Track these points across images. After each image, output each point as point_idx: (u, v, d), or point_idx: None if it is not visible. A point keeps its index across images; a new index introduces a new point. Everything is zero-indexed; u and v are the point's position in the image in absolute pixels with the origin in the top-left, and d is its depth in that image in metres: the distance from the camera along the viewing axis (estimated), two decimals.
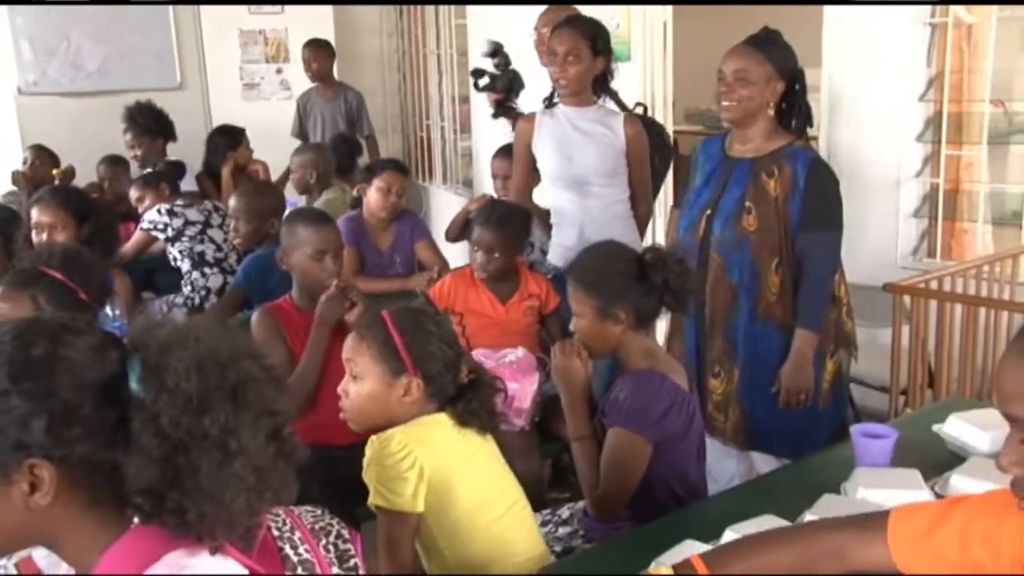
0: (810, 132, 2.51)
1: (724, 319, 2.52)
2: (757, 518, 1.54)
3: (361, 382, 1.72)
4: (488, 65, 3.80)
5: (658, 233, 4.30)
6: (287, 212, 3.17)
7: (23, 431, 0.94)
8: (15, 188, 4.77)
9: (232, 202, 3.45)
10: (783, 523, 1.50)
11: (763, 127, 2.45)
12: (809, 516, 1.57)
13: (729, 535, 1.48)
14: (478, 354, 2.55)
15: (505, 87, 3.72)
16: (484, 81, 3.79)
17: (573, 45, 2.95)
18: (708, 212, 2.52)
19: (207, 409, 0.96)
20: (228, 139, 4.91)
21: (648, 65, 4.45)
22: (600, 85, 3.06)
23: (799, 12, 4.17)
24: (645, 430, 1.84)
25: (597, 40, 2.99)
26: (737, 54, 2.40)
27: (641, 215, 3.15)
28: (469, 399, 1.74)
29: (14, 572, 1.55)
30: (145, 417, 0.95)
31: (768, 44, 2.41)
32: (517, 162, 3.20)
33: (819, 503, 1.62)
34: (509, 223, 2.84)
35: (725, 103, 2.42)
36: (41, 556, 1.52)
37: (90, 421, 0.95)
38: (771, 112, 2.44)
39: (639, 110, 3.30)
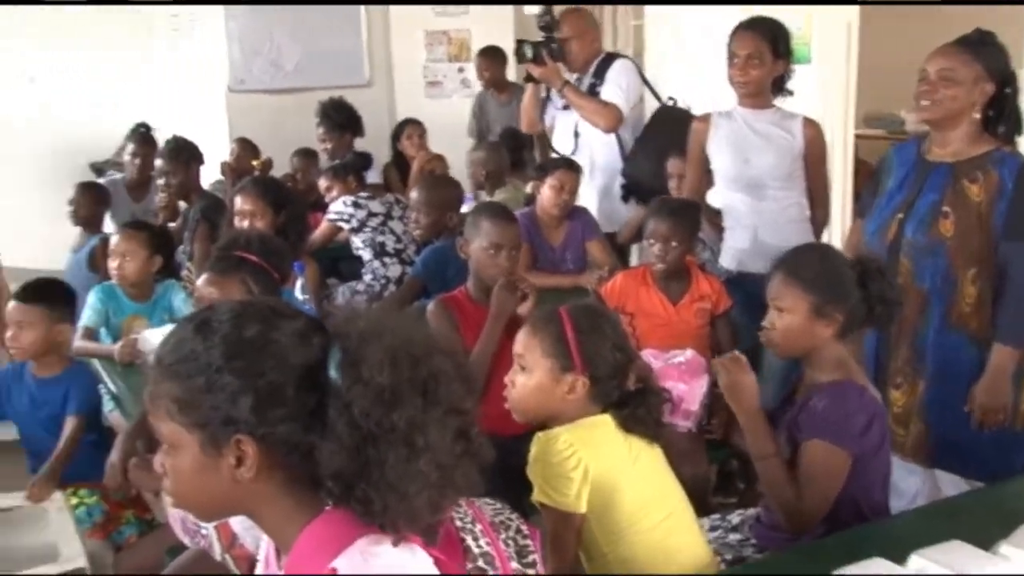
0: (1020, 140, 2.37)
1: (911, 328, 2.38)
2: (945, 544, 1.42)
3: (529, 374, 1.72)
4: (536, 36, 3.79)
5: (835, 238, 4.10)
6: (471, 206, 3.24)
7: (232, 407, 0.98)
8: (222, 178, 5.09)
9: (414, 194, 3.55)
10: (974, 551, 1.39)
11: (966, 130, 2.31)
12: (1005, 547, 1.45)
13: (916, 561, 1.39)
14: (647, 354, 2.50)
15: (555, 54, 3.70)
16: (530, 51, 3.75)
17: (755, 48, 2.90)
18: (900, 215, 2.39)
19: (397, 403, 0.96)
20: (401, 130, 5.10)
21: (829, 67, 4.25)
22: (777, 87, 2.97)
23: (1003, 12, 3.86)
24: (846, 443, 1.75)
25: (778, 43, 2.92)
26: (944, 53, 2.27)
27: (819, 220, 3.07)
28: (635, 406, 1.70)
29: (213, 533, 1.66)
30: (340, 405, 0.96)
31: (979, 44, 2.26)
32: (691, 163, 3.16)
33: (1017, 533, 1.48)
34: (683, 212, 2.82)
35: (924, 103, 2.29)
36: (236, 522, 1.61)
37: (291, 403, 0.98)
38: (977, 116, 2.29)
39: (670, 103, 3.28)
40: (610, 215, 3.89)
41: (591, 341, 1.70)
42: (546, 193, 3.60)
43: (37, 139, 5.94)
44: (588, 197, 3.88)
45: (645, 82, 3.98)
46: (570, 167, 3.65)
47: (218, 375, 0.99)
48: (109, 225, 4.45)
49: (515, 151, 4.81)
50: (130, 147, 4.68)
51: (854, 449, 1.74)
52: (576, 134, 3.93)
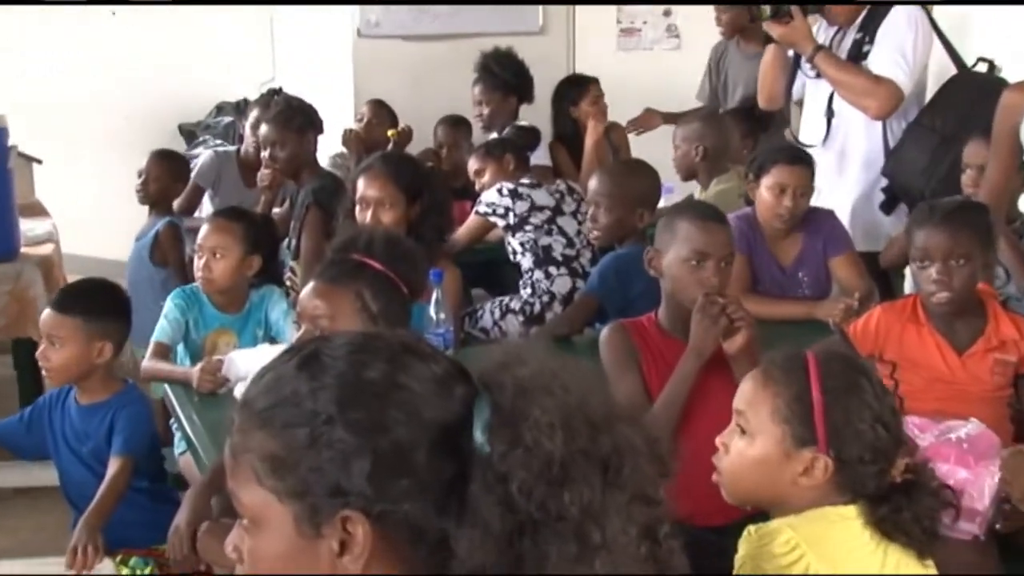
0: None
1: None
2: None
3: (750, 441, 1.71)
4: None
5: None
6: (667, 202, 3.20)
7: (343, 472, 1.01)
8: (344, 150, 5.26)
9: (592, 183, 3.53)
10: None
11: None
12: None
13: None
14: (912, 423, 2.37)
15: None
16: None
17: None
18: None
19: (570, 480, 0.99)
20: (573, 90, 5.03)
21: None
22: None
23: None
24: None
25: None
26: None
27: None
28: (898, 506, 1.62)
29: None
30: (489, 479, 0.99)
31: None
32: (997, 151, 3.04)
33: None
34: (966, 218, 2.65)
35: None
36: None
37: (422, 473, 1.01)
38: None
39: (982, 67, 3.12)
40: (869, 228, 3.78)
41: (844, 408, 1.66)
42: (763, 197, 3.49)
43: (116, 95, 6.33)
44: (840, 203, 3.76)
45: (939, 35, 3.79)
46: (796, 161, 3.50)
47: (327, 428, 1.01)
48: (208, 208, 4.68)
49: (751, 126, 4.67)
50: (254, 115, 4.86)
51: None
52: (830, 113, 3.81)
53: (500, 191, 4.04)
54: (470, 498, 1.00)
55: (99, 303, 2.81)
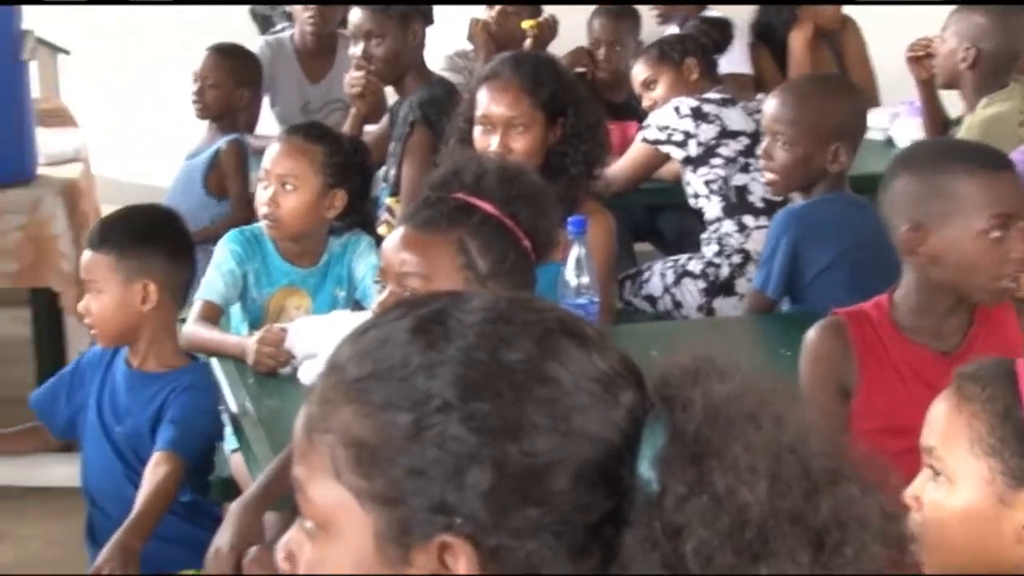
0: None
1: None
2: None
3: (948, 487, 1.71)
4: None
5: None
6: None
7: (452, 483, 1.02)
8: (468, 48, 5.26)
9: (769, 105, 3.46)
10: None
11: None
12: None
13: None
14: None
15: None
16: None
17: None
18: None
19: (769, 552, 0.99)
20: None
21: None
22: None
23: None
24: None
25: None
26: None
27: None
28: None
29: None
30: (655, 530, 1.00)
31: None
32: None
33: None
34: None
35: None
36: None
37: (560, 503, 1.02)
38: None
39: None
40: None
41: None
42: None
43: None
44: None
45: None
46: None
47: (439, 419, 1.02)
48: (273, 125, 4.72)
49: None
50: None
51: None
52: None
53: (677, 110, 4.01)
54: (622, 550, 1.01)
55: (136, 231, 2.86)
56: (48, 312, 4.16)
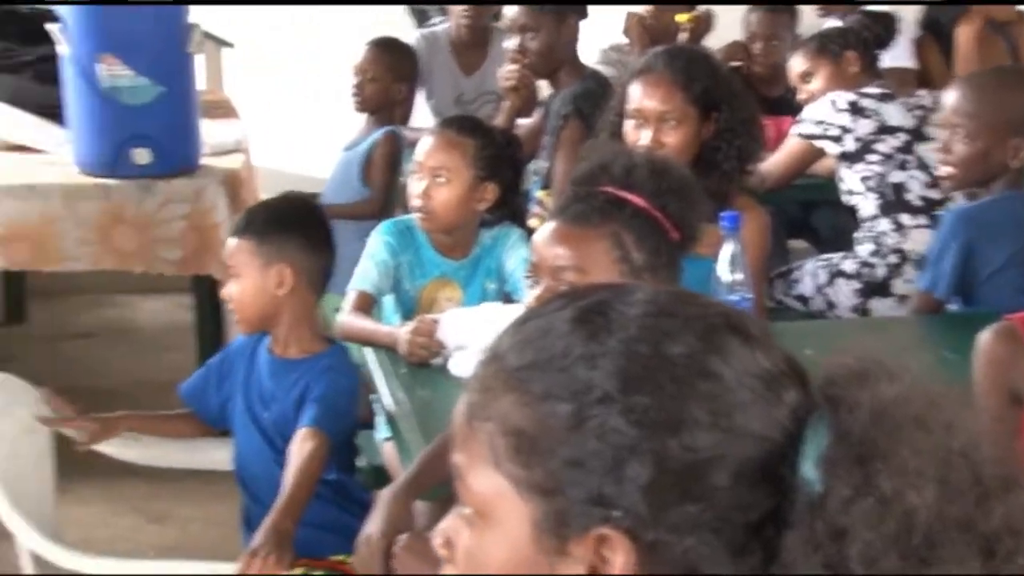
0: None
1: None
2: None
3: None
4: None
5: None
6: None
7: (611, 475, 1.01)
8: (622, 42, 5.26)
9: (950, 97, 3.38)
10: None
11: None
12: None
13: None
14: None
15: None
16: None
17: None
18: None
19: (936, 558, 0.98)
20: None
21: None
22: None
23: None
24: None
25: None
26: None
27: None
28: None
29: None
30: (818, 530, 0.99)
31: None
32: None
33: None
34: None
35: None
36: None
37: (720, 500, 1.01)
38: None
39: None
40: None
41: None
42: None
43: None
44: None
45: None
46: None
47: (600, 410, 1.02)
48: (428, 117, 4.76)
49: None
50: None
51: None
52: None
53: (834, 104, 3.98)
54: (783, 550, 1.00)
55: (275, 218, 2.91)
56: (209, 299, 4.24)
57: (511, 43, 4.21)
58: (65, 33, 4.06)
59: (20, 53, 4.73)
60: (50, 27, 4.13)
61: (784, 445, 1.02)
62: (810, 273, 3.96)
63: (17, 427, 2.85)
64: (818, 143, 3.97)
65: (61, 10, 4.10)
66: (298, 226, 2.90)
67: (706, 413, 1.01)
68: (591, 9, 4.36)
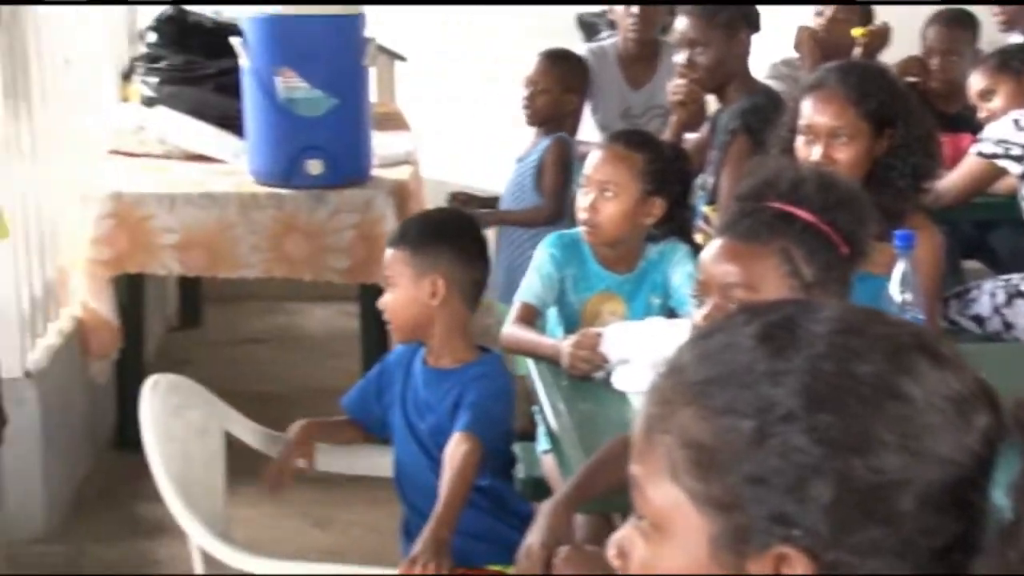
0: None
1: None
2: None
3: None
4: None
5: None
6: None
7: (792, 494, 1.01)
8: (793, 56, 5.23)
9: None
10: None
11: None
12: None
13: None
14: None
15: None
16: None
17: None
18: None
19: None
20: None
21: None
22: None
23: None
24: None
25: None
26: None
27: None
28: None
29: None
30: (1010, 560, 0.98)
31: None
32: None
33: None
34: None
35: None
36: None
37: (905, 524, 1.00)
38: None
39: None
40: None
41: None
42: None
43: None
44: None
45: None
46: None
47: (783, 428, 1.01)
48: (593, 131, 4.77)
49: None
50: None
51: None
52: None
53: (1016, 123, 3.94)
54: None
55: (429, 230, 2.96)
56: (375, 308, 4.29)
57: (680, 57, 4.18)
58: (246, 46, 4.16)
59: (203, 66, 4.88)
60: (233, 40, 4.24)
61: (973, 470, 1.01)
62: (988, 292, 3.90)
63: (190, 429, 2.93)
64: (1000, 162, 3.92)
65: (244, 23, 4.21)
66: (452, 238, 2.93)
67: (893, 435, 1.00)
68: (763, 22, 4.31)
